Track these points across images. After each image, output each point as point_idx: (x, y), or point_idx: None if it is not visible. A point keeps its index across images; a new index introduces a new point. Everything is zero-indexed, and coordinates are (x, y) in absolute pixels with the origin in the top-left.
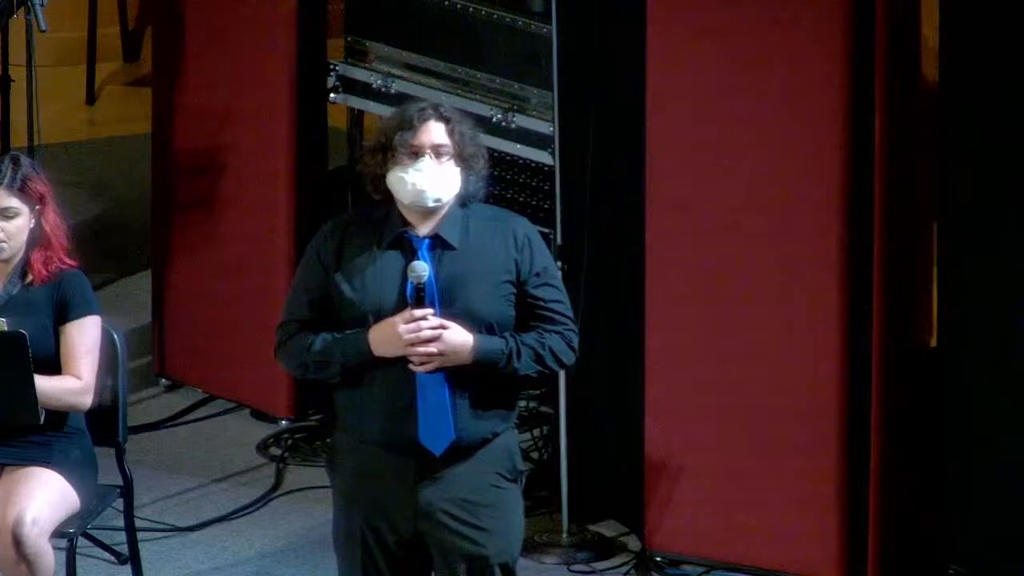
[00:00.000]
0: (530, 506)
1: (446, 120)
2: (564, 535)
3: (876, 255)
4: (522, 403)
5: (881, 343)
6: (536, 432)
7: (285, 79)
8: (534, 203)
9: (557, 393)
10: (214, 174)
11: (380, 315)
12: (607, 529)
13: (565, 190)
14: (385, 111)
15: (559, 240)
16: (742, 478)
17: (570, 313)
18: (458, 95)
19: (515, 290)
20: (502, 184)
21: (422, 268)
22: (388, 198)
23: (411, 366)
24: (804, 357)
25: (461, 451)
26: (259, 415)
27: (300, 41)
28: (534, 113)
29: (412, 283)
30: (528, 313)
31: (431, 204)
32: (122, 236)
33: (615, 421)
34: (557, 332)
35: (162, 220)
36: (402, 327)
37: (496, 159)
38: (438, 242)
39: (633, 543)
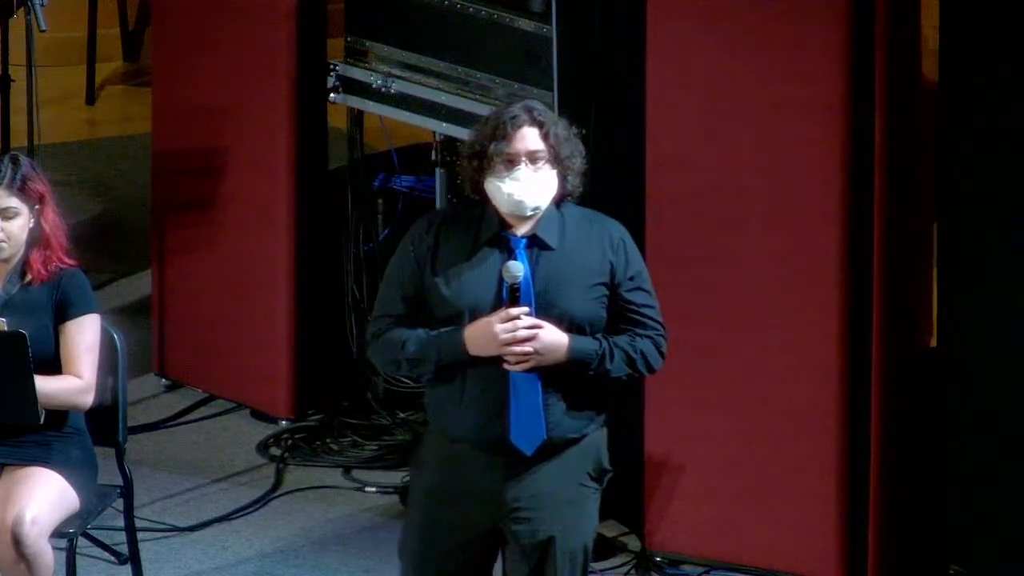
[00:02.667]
0: None
1: (539, 124)
2: None
3: (876, 255)
4: None
5: (881, 343)
6: None
7: (285, 79)
8: None
9: None
10: (214, 174)
11: (477, 314)
12: (607, 529)
13: None
14: (385, 111)
15: None
16: (742, 478)
17: (660, 318)
18: (458, 95)
19: (608, 292)
20: None
21: (516, 268)
22: (484, 196)
23: (506, 365)
24: (804, 357)
25: (551, 450)
26: (259, 415)
27: (300, 41)
28: None
29: (507, 283)
30: (619, 316)
31: (529, 212)
32: (122, 236)
33: (615, 421)
34: (648, 336)
35: (162, 220)
36: (498, 326)
37: None
38: (535, 242)
39: (633, 543)
